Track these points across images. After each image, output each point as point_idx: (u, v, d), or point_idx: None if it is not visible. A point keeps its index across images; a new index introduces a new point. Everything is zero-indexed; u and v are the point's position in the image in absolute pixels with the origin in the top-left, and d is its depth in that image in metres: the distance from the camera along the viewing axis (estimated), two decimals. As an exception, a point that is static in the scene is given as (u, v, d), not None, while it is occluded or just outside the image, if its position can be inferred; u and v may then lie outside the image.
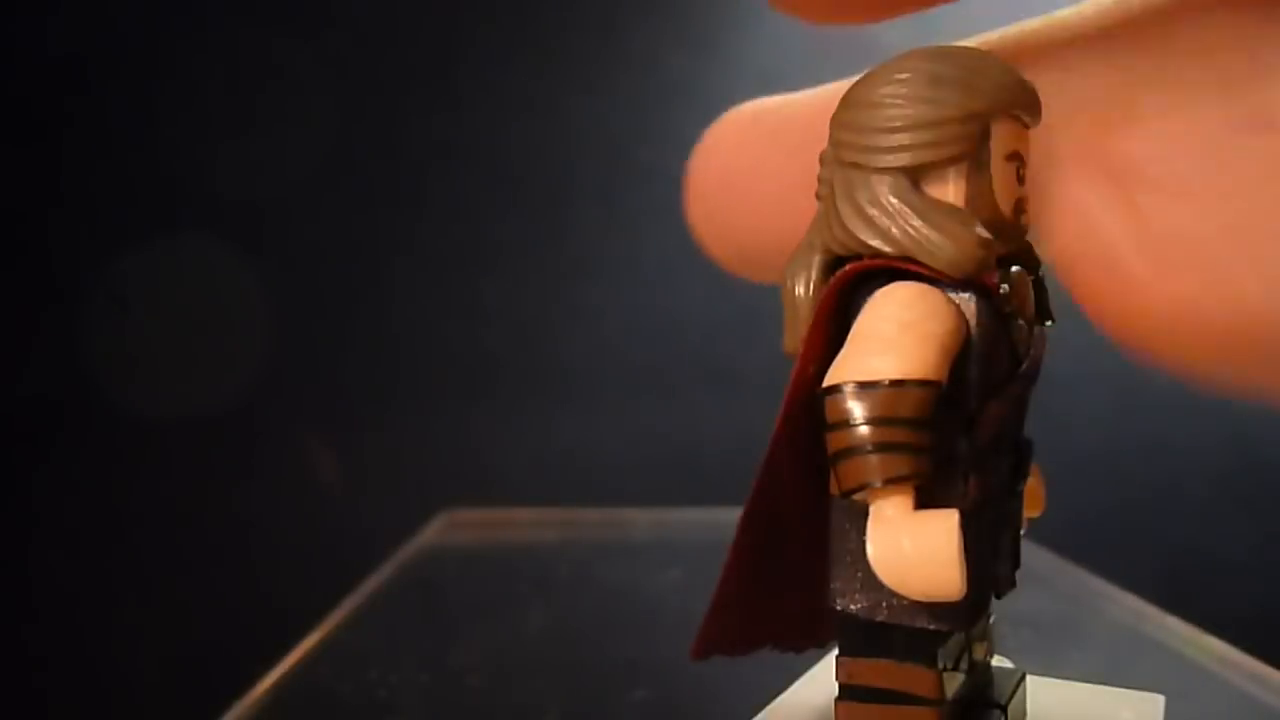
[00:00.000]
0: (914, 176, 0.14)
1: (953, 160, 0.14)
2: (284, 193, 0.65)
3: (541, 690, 0.31)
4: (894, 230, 0.14)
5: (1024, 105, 0.14)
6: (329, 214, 0.66)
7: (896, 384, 0.13)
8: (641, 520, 0.48)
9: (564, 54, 0.66)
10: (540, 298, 0.65)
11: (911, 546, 0.13)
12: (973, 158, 0.14)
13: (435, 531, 0.48)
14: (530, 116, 0.66)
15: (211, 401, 0.62)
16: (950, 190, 0.14)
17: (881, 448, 0.13)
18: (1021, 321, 0.15)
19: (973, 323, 0.14)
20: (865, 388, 0.13)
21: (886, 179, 0.14)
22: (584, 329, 0.65)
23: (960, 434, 0.14)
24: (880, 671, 0.15)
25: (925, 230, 0.14)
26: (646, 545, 0.45)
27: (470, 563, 0.46)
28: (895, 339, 0.13)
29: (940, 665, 0.14)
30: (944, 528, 0.12)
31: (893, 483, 0.13)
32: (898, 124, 0.14)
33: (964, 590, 0.12)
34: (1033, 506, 0.16)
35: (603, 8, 0.66)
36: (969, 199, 0.14)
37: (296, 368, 0.65)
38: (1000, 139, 0.14)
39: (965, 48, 0.15)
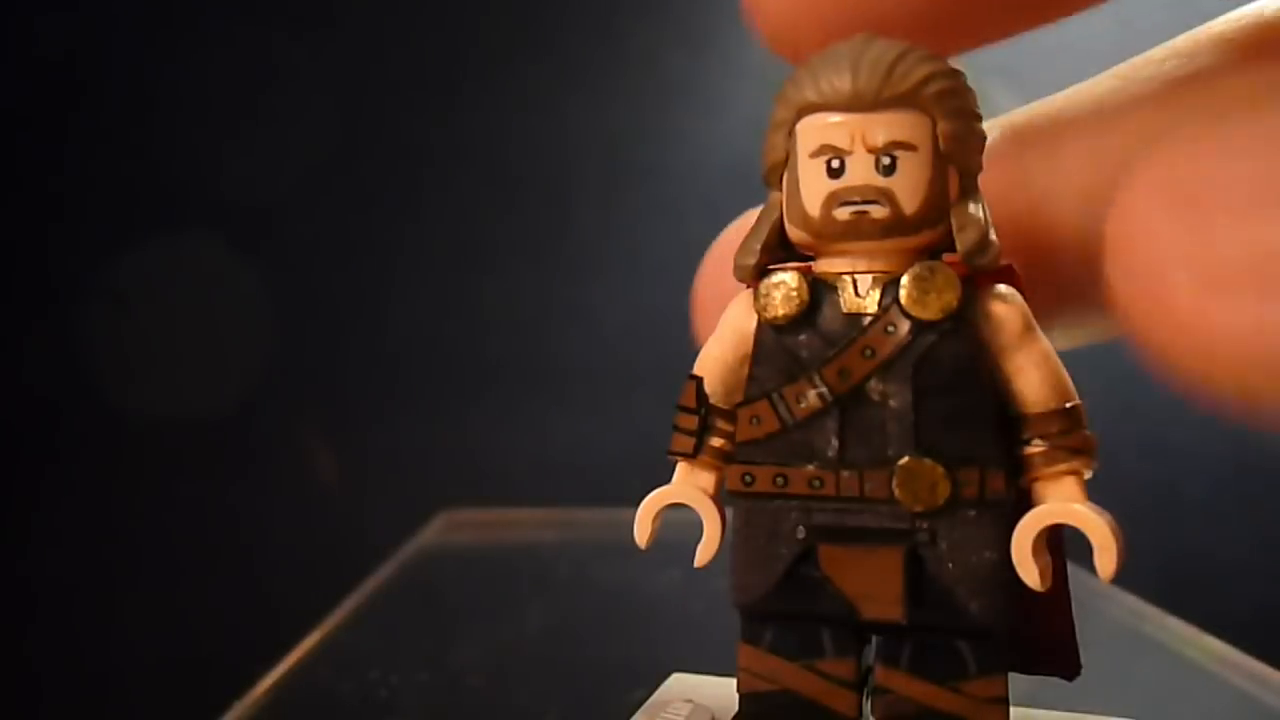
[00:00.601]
0: (771, 185, 0.15)
1: (775, 168, 0.15)
2: (284, 193, 0.65)
3: (541, 690, 0.31)
4: None
5: (818, 98, 0.14)
6: (329, 214, 0.66)
7: (691, 375, 0.16)
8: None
9: (564, 54, 0.66)
10: (540, 298, 0.65)
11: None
12: (787, 162, 0.14)
13: (435, 531, 0.48)
14: (530, 116, 0.66)
15: (211, 401, 0.62)
16: (778, 196, 0.15)
17: (673, 425, 0.16)
18: (837, 315, 0.14)
19: (752, 326, 0.15)
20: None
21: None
22: (584, 329, 0.65)
23: (740, 423, 0.15)
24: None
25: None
26: (646, 545, 0.45)
27: (470, 563, 0.46)
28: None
29: (760, 641, 0.15)
30: (654, 493, 0.16)
31: (671, 454, 0.16)
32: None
33: (639, 541, 0.16)
34: (1100, 556, 0.14)
35: (603, 8, 0.66)
36: (788, 203, 0.14)
37: (296, 368, 0.65)
38: (802, 138, 0.14)
39: (849, 42, 0.14)
